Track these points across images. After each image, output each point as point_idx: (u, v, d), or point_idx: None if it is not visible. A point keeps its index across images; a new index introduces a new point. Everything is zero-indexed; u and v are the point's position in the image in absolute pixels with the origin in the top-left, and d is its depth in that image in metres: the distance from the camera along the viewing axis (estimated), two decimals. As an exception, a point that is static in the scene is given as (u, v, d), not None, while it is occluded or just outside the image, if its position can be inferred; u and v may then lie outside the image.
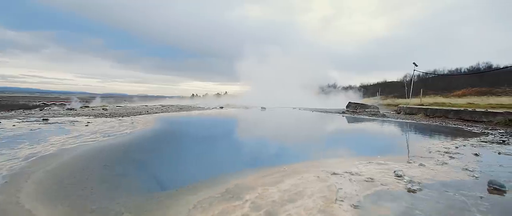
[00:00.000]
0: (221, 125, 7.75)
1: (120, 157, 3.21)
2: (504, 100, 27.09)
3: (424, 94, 43.99)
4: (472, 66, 54.53)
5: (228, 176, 2.48)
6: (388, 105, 28.99)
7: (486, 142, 4.71)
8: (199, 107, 17.26)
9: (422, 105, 28.38)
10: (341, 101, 30.28)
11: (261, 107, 14.56)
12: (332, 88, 37.66)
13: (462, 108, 9.22)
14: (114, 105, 27.91)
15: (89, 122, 7.17)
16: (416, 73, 18.14)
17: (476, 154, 3.62)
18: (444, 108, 9.97)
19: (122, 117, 8.98)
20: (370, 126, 7.81)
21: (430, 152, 3.72)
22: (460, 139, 5.00)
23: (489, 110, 8.35)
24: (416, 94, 40.89)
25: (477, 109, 8.78)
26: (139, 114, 10.54)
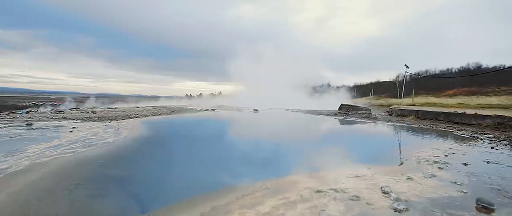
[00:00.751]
0: (208, 131, 7.56)
1: (95, 173, 3.03)
2: (493, 100, 27.58)
3: (416, 94, 44.62)
4: (462, 66, 55.63)
5: (206, 197, 2.34)
6: (381, 105, 29.24)
7: (475, 148, 4.69)
8: (192, 108, 17.04)
9: (414, 105, 28.70)
10: (334, 102, 30.38)
11: (254, 109, 14.45)
12: (325, 87, 37.69)
13: (452, 111, 9.26)
14: (105, 106, 27.44)
15: (74, 128, 6.93)
16: (407, 74, 18.24)
17: (465, 164, 3.56)
18: (435, 110, 10.01)
19: (110, 121, 8.74)
20: (361, 131, 7.76)
21: (419, 162, 3.65)
22: (450, 145, 4.96)
23: (478, 113, 8.39)
24: (408, 94, 41.48)
25: (466, 112, 8.83)
26: (128, 118, 10.29)
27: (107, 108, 20.39)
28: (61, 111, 14.75)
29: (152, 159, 3.96)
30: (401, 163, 3.64)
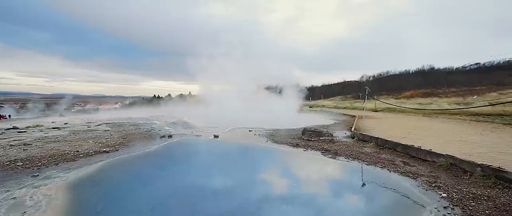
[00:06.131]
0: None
1: None
2: (445, 104, 30.00)
3: (378, 95, 47.30)
4: (418, 68, 60.53)
5: None
6: (345, 112, 30.05)
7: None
8: (149, 131, 15.48)
9: (376, 110, 30.02)
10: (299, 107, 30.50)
11: (214, 135, 13.47)
12: (291, 88, 37.82)
13: (409, 144, 9.37)
14: (52, 120, 24.38)
15: None
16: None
17: None
18: (394, 141, 10.08)
19: (35, 173, 6.95)
20: (307, 196, 7.29)
21: None
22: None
23: (433, 150, 8.48)
24: (372, 94, 43.51)
25: (422, 147, 8.93)
26: (63, 159, 8.70)
27: (52, 128, 17.86)
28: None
29: None
30: None
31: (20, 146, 11.12)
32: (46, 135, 14.51)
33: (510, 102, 13.02)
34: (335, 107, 38.28)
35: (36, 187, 6.47)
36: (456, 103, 29.38)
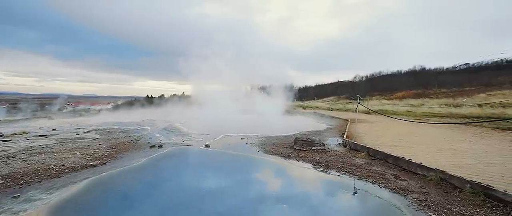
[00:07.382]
0: None
1: None
2: (435, 107, 30.41)
3: (371, 95, 47.70)
4: (409, 69, 61.43)
5: None
6: (338, 115, 30.10)
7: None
8: (141, 137, 15.14)
9: (369, 113, 30.19)
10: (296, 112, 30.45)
11: (205, 144, 13.26)
12: (285, 89, 37.71)
13: (400, 156, 9.36)
14: (40, 123, 23.75)
15: None
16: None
17: None
18: (385, 151, 10.06)
19: (17, 191, 6.52)
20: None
21: None
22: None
23: (423, 164, 8.51)
24: (365, 94, 43.89)
25: (412, 160, 8.94)
26: (46, 179, 7.94)
27: (39, 135, 17.30)
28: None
29: None
30: None
31: (3, 159, 10.70)
32: (32, 144, 14.05)
33: (498, 120, 13.17)
34: (329, 109, 38.44)
35: (14, 214, 6.16)
36: (446, 105, 29.81)
